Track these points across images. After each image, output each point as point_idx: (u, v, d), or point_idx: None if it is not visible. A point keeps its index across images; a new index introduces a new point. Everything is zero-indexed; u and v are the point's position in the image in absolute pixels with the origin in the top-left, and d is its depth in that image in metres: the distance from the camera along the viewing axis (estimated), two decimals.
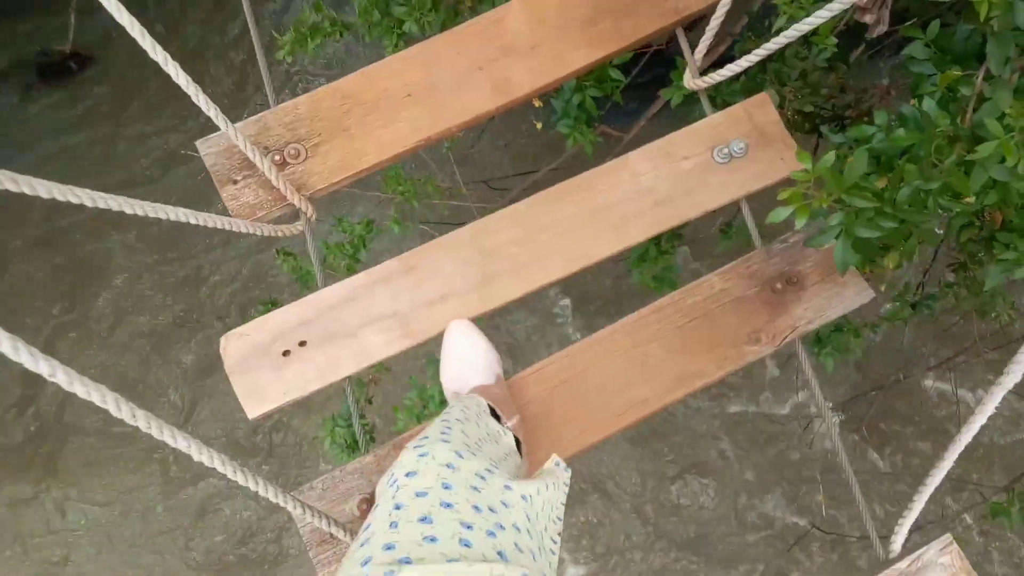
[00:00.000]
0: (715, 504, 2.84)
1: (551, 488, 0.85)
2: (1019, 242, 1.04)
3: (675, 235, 1.71)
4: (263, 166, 1.23)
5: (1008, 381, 0.81)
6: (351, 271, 2.03)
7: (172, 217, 1.06)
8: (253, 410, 1.20)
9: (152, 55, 1.03)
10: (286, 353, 1.22)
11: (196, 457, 0.78)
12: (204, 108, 1.12)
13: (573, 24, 1.33)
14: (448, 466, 0.74)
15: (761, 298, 1.18)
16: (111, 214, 0.95)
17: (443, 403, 1.66)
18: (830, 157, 1.00)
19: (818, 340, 1.73)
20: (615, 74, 1.55)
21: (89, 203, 0.89)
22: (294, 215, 1.33)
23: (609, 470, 2.93)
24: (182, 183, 3.36)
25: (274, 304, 2.05)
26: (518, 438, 1.03)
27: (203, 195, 3.11)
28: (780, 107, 1.46)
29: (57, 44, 3.49)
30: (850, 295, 1.16)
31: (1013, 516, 1.81)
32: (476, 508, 0.69)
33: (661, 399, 1.16)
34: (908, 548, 1.06)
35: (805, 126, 1.76)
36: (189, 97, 1.07)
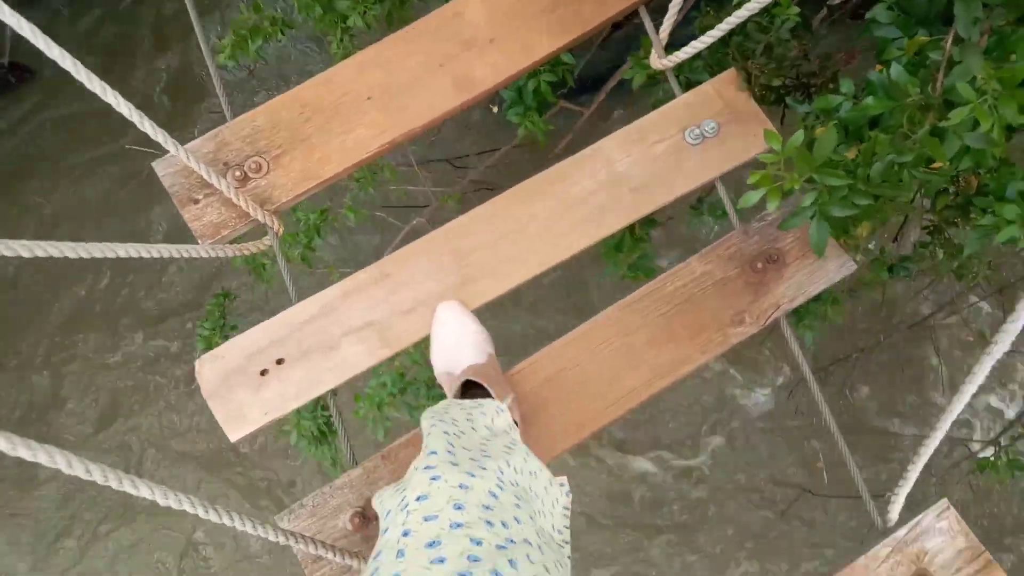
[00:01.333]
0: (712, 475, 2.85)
1: (546, 509, 0.86)
2: (996, 206, 1.02)
3: (649, 221, 1.69)
4: (222, 185, 1.19)
5: (997, 351, 0.80)
6: (306, 260, 1.98)
7: (123, 255, 1.02)
8: (234, 433, 1.16)
9: (89, 86, 0.98)
10: (263, 372, 1.18)
11: (163, 503, 0.75)
12: (152, 134, 1.08)
13: (532, 12, 1.30)
14: (461, 487, 0.73)
15: (743, 279, 1.16)
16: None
17: (401, 390, 1.63)
18: (799, 136, 0.98)
19: (796, 313, 1.72)
20: (567, 57, 1.52)
21: (30, 254, 0.85)
22: (261, 229, 1.29)
23: None
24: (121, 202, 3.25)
25: (226, 296, 1.99)
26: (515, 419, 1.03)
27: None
28: (747, 83, 1.43)
29: None
30: (832, 268, 1.15)
31: (1000, 470, 1.83)
32: (488, 523, 0.68)
33: (649, 388, 1.15)
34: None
35: (771, 98, 1.73)
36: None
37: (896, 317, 2.81)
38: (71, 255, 0.93)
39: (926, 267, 1.73)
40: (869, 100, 1.04)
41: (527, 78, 1.54)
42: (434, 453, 0.79)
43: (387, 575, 0.61)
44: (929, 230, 1.65)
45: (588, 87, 2.53)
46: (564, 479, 1.00)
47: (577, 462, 2.88)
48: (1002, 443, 1.95)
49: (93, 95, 0.97)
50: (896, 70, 1.02)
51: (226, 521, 0.83)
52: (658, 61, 1.25)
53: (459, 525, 0.67)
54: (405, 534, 0.66)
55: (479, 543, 0.65)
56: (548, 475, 0.96)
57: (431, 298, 1.21)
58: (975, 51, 0.99)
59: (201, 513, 0.79)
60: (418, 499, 0.71)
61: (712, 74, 1.39)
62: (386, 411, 1.68)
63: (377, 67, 1.31)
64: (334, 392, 1.19)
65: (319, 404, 1.68)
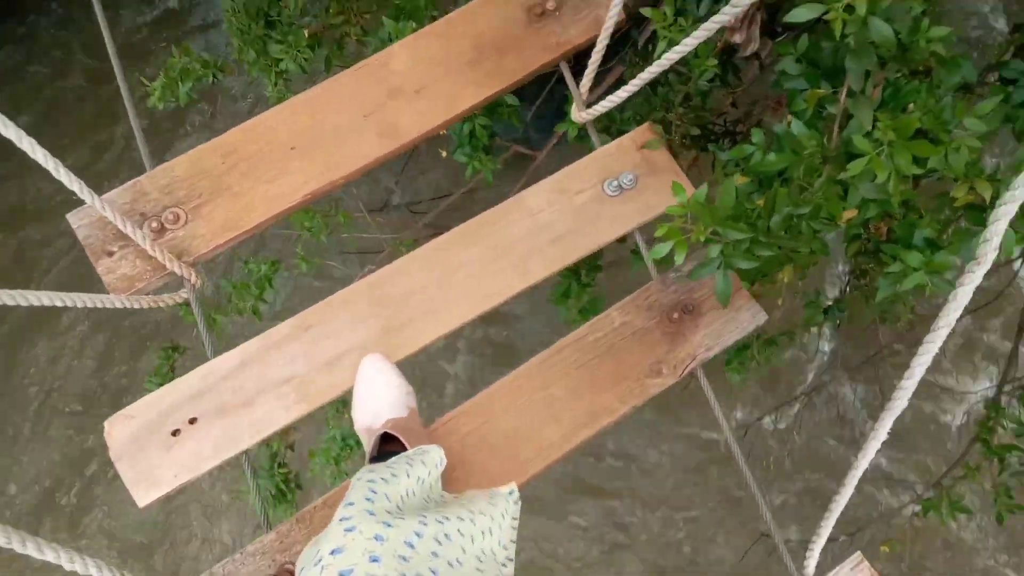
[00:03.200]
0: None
1: (495, 524, 0.86)
2: (904, 254, 1.06)
3: (594, 266, 1.71)
4: (136, 236, 1.16)
5: (896, 407, 0.81)
6: (256, 313, 1.95)
7: (34, 302, 0.99)
8: (143, 497, 1.12)
9: (3, 132, 0.96)
10: (175, 432, 1.14)
11: (68, 567, 0.73)
12: (67, 183, 1.06)
13: (458, 64, 1.32)
14: (376, 538, 0.71)
15: (660, 329, 1.18)
16: None
17: (345, 445, 1.62)
18: (702, 191, 1.00)
19: (726, 358, 1.74)
20: (510, 99, 1.53)
21: None
22: (179, 282, 1.26)
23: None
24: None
25: (175, 349, 1.95)
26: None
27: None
28: (667, 133, 1.47)
29: None
30: (745, 319, 1.17)
31: (943, 512, 1.86)
32: None
33: (570, 440, 1.14)
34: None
35: (694, 145, 1.77)
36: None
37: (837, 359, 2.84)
38: None
39: (859, 310, 1.78)
40: (771, 156, 1.07)
41: (463, 122, 1.55)
42: (351, 504, 0.78)
43: None
44: (855, 275, 1.70)
45: (542, 128, 2.56)
46: (513, 486, 1.00)
47: None
48: (944, 484, 1.99)
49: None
50: (796, 124, 1.06)
51: None
52: (579, 114, 1.28)
53: None
54: None
55: None
56: (488, 491, 0.95)
57: (353, 351, 1.20)
58: (866, 104, 1.03)
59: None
60: (332, 552, 0.69)
61: (641, 124, 1.42)
62: (344, 465, 1.65)
63: (303, 116, 1.31)
64: (247, 452, 1.15)
65: (275, 461, 1.65)
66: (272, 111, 1.32)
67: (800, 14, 0.90)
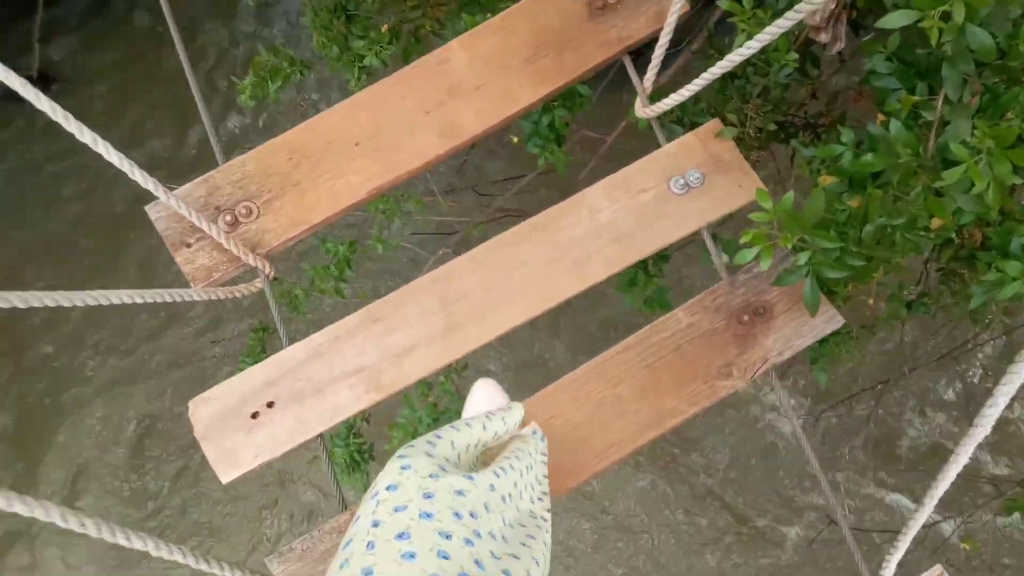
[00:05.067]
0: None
1: (527, 469, 0.88)
2: (1002, 263, 1.01)
3: (662, 257, 1.68)
4: (212, 231, 1.20)
5: (979, 433, 0.78)
6: (339, 293, 2.02)
7: (115, 301, 1.04)
8: (226, 475, 1.18)
9: (79, 137, 1.00)
10: (255, 415, 1.20)
11: (155, 553, 0.78)
12: (141, 182, 1.09)
13: (515, 62, 1.30)
14: (432, 476, 0.74)
15: (730, 331, 1.16)
16: None
17: (432, 423, 1.66)
18: (788, 198, 0.97)
19: (809, 355, 1.69)
20: (583, 90, 1.50)
21: (22, 305, 0.87)
22: (254, 271, 1.31)
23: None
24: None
25: (264, 329, 2.04)
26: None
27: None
28: (741, 125, 1.42)
29: (23, 69, 3.44)
30: (819, 323, 1.14)
31: None
32: (457, 515, 0.69)
33: (636, 440, 1.15)
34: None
35: (780, 135, 1.71)
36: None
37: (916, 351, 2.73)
38: (65, 303, 0.95)
39: (945, 303, 1.70)
40: (868, 157, 1.03)
41: (541, 112, 1.53)
42: (411, 445, 0.80)
43: (358, 567, 0.63)
44: (944, 273, 1.62)
45: (610, 110, 2.49)
46: (535, 425, 1.02)
47: None
48: None
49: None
50: (895, 127, 1.01)
51: (216, 571, 0.87)
52: (642, 110, 1.25)
53: (428, 516, 0.68)
54: (375, 524, 0.67)
55: (448, 536, 0.65)
56: (518, 435, 0.96)
57: (419, 344, 1.22)
58: (964, 112, 0.97)
59: (192, 564, 0.82)
60: (388, 488, 0.72)
61: (715, 117, 1.38)
62: None
63: (365, 112, 1.32)
64: (321, 437, 1.20)
65: (351, 431, 1.72)
66: (334, 109, 1.33)
67: (893, 20, 0.85)
